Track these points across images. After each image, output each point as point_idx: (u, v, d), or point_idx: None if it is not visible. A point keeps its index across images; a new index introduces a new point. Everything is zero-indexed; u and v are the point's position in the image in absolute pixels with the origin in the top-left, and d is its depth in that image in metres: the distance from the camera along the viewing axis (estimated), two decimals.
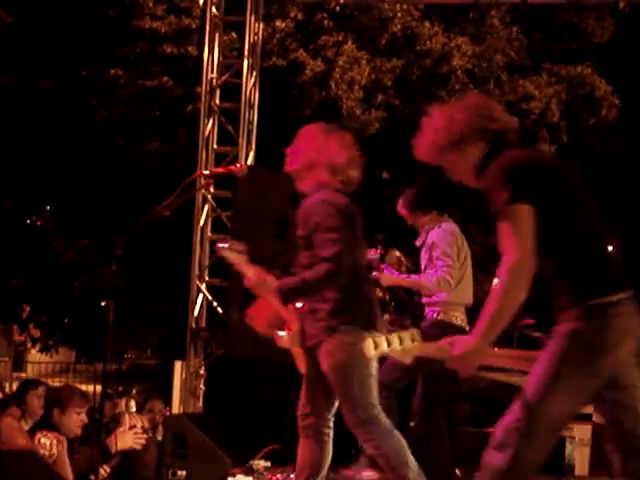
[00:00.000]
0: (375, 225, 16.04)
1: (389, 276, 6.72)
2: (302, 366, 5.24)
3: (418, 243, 6.84)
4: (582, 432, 10.66)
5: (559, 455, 9.39)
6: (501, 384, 13.03)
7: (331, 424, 5.21)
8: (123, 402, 9.22)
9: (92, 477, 5.55)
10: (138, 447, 6.77)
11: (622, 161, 24.36)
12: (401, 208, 6.91)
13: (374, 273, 6.67)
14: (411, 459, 4.91)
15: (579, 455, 10.03)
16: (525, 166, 3.88)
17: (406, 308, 6.92)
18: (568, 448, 9.44)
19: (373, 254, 7.13)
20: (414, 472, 4.89)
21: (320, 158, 5.11)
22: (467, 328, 6.71)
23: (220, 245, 5.19)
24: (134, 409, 9.27)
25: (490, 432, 9.69)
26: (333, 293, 4.95)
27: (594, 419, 11.39)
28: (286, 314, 5.24)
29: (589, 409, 11.49)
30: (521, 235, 3.71)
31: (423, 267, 6.73)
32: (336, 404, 5.18)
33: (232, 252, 5.11)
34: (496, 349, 4.24)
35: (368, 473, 6.67)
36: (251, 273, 5.03)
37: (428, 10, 16.74)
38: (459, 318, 6.71)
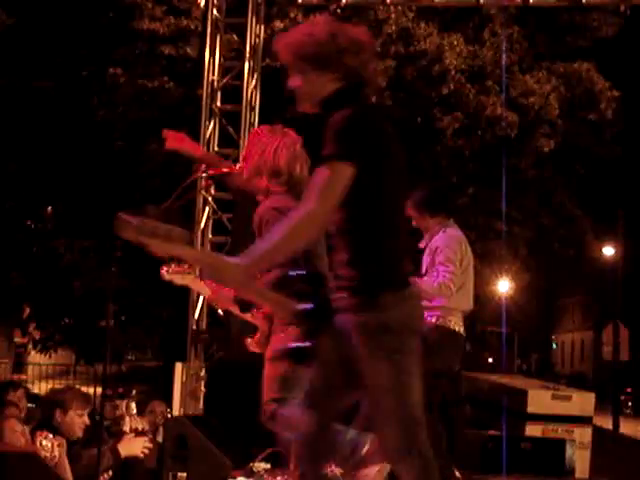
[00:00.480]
0: None
1: None
2: None
3: (422, 245, 6.85)
4: (582, 435, 10.68)
5: (560, 458, 9.40)
6: (500, 386, 13.07)
7: None
8: (124, 404, 9.23)
9: None
10: (142, 455, 6.79)
11: (624, 164, 24.41)
12: (409, 208, 6.89)
13: None
14: None
15: (579, 458, 10.04)
16: (364, 132, 3.82)
17: None
18: (568, 451, 9.46)
19: None
20: None
21: (261, 163, 5.10)
22: (464, 333, 6.74)
23: (162, 272, 5.09)
24: (134, 411, 9.28)
25: (490, 434, 9.74)
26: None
27: (594, 422, 11.40)
28: (253, 320, 5.30)
29: (590, 412, 11.52)
30: (331, 192, 3.69)
31: (425, 270, 6.74)
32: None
33: (176, 275, 5.08)
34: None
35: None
36: (205, 291, 5.03)
37: (423, 11, 16.78)
38: (457, 323, 6.73)
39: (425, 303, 6.67)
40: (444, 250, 6.62)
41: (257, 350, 5.28)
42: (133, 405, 9.14)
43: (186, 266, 5.16)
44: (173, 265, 5.07)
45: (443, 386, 6.80)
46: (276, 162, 5.08)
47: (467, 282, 6.75)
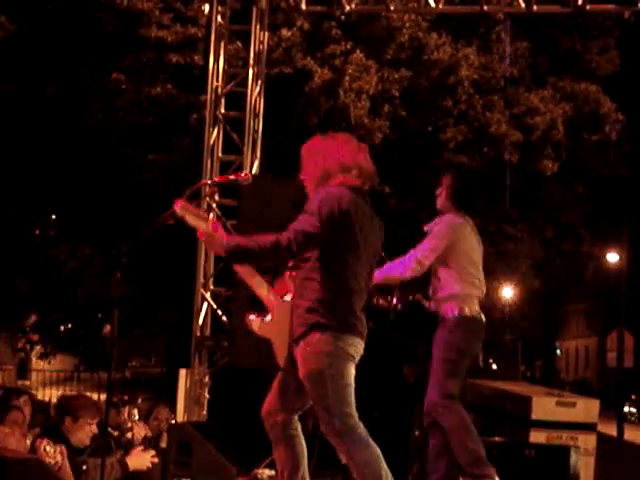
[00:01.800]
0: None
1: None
2: (280, 358, 5.20)
3: (426, 229, 6.78)
4: (587, 442, 10.67)
5: (564, 465, 9.38)
6: (504, 393, 13.05)
7: (297, 424, 5.13)
8: (126, 411, 9.24)
9: None
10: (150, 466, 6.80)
11: (629, 184, 24.42)
12: (442, 194, 6.80)
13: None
14: (385, 470, 4.84)
15: (584, 465, 10.03)
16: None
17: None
18: (573, 458, 9.43)
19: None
20: None
21: (329, 164, 5.10)
22: (483, 319, 6.66)
23: (176, 207, 5.04)
24: (137, 417, 9.29)
25: (494, 441, 9.71)
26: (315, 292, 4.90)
27: (599, 429, 11.39)
28: (267, 302, 5.28)
29: (594, 419, 11.51)
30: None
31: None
32: (305, 408, 5.13)
33: (189, 213, 5.04)
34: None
35: None
36: (204, 226, 4.99)
37: (436, 21, 16.80)
38: (475, 310, 6.61)
39: (439, 294, 6.61)
40: (434, 230, 6.60)
41: (259, 331, 5.25)
42: (135, 411, 9.16)
43: (201, 212, 5.18)
44: (192, 205, 5.07)
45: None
46: (342, 159, 5.07)
47: (468, 266, 6.64)
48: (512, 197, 19.09)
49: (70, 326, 21.44)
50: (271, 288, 5.31)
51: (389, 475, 4.87)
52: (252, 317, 5.33)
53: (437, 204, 6.83)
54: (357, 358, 4.99)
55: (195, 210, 5.06)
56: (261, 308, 5.38)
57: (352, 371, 4.93)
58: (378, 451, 4.87)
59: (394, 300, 6.91)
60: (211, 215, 4.99)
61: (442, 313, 6.55)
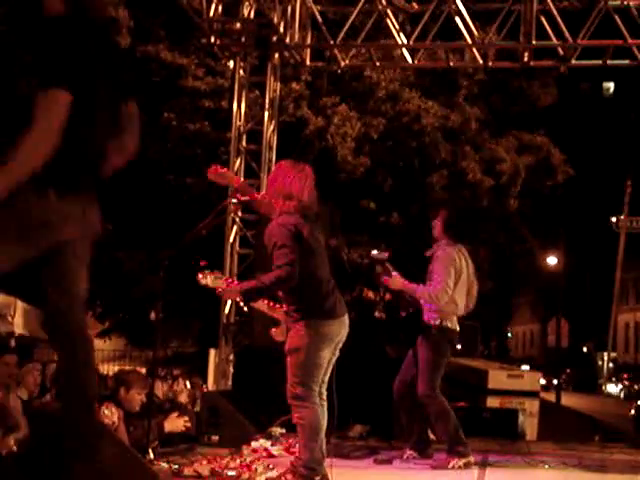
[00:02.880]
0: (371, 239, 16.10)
1: (398, 280, 6.59)
2: None
3: (428, 254, 6.74)
4: (531, 406, 10.65)
5: (513, 424, 9.36)
6: (465, 368, 13.00)
7: (325, 397, 5.12)
8: (181, 382, 9.18)
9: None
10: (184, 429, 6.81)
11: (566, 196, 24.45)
12: (438, 225, 6.73)
13: (384, 277, 6.61)
14: (322, 439, 4.94)
15: (529, 424, 10.00)
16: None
17: (399, 303, 6.83)
18: (520, 418, 9.41)
19: (381, 255, 7.07)
20: (319, 450, 4.92)
21: (279, 188, 5.10)
22: (458, 330, 6.67)
23: (199, 277, 5.22)
24: (188, 385, 9.27)
25: (459, 405, 9.67)
26: (294, 295, 5.00)
27: (541, 396, 11.33)
28: (276, 316, 5.40)
29: (537, 388, 11.46)
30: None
31: (428, 274, 6.64)
32: (326, 380, 5.13)
33: (209, 279, 5.21)
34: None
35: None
36: (221, 285, 5.14)
37: (408, 80, 16.88)
38: (454, 323, 6.63)
39: (427, 306, 6.58)
40: (440, 266, 6.52)
41: (280, 339, 5.30)
42: (187, 382, 9.14)
43: (217, 272, 5.23)
44: (207, 273, 5.15)
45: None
46: (289, 188, 5.05)
47: (461, 294, 6.62)
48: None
49: (125, 314, 21.40)
50: (276, 307, 5.45)
51: (323, 445, 4.96)
52: (274, 330, 5.45)
53: (434, 233, 6.77)
54: (338, 337, 5.05)
55: (213, 275, 5.19)
56: (275, 322, 5.50)
57: (324, 354, 4.98)
58: (324, 421, 4.97)
59: (386, 295, 6.87)
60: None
61: (427, 320, 6.55)
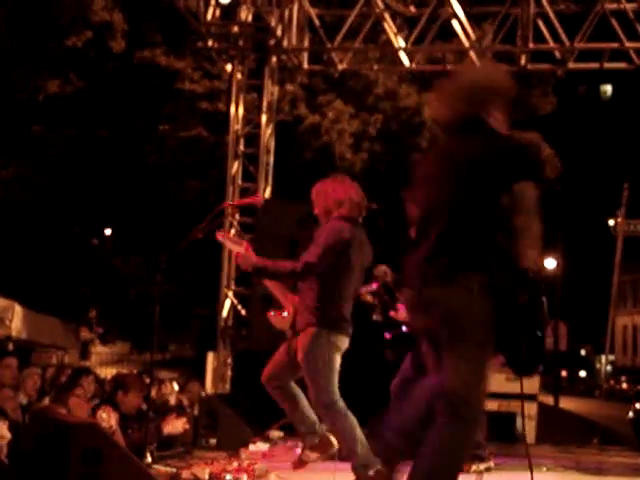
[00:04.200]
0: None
1: (402, 314, 6.60)
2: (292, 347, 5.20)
3: None
4: (529, 409, 10.63)
5: (511, 427, 9.36)
6: None
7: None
8: (169, 385, 9.18)
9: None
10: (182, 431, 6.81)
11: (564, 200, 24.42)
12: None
13: (391, 312, 6.63)
14: (360, 436, 4.90)
15: (527, 427, 9.99)
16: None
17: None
18: (518, 422, 9.40)
19: (370, 289, 7.10)
20: (362, 446, 4.87)
21: (328, 202, 5.12)
22: None
23: (218, 235, 5.16)
24: (177, 388, 9.24)
25: None
26: (318, 301, 4.97)
27: (539, 399, 11.33)
28: (283, 300, 5.29)
29: (536, 391, 11.46)
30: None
31: None
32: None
33: (227, 240, 5.25)
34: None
35: None
36: (239, 249, 5.03)
37: (407, 77, 16.86)
38: None
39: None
40: None
41: (279, 326, 5.28)
42: (175, 384, 9.12)
43: (241, 241, 5.22)
44: (232, 235, 5.13)
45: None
46: (336, 196, 5.11)
47: None
48: None
49: (124, 318, 21.43)
50: (289, 293, 5.31)
51: (364, 440, 4.90)
52: (272, 313, 5.35)
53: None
54: (342, 350, 5.04)
55: (233, 238, 5.26)
56: (276, 306, 5.39)
57: (337, 359, 4.98)
58: (355, 421, 4.92)
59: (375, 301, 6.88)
60: (232, 232, 5.02)
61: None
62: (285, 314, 5.27)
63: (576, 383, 44.29)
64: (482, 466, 6.26)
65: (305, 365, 4.94)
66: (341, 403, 4.94)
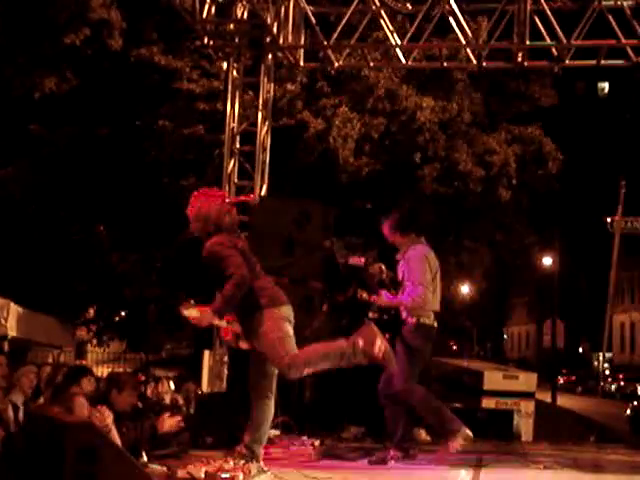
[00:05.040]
0: (366, 241, 16.12)
1: (384, 299, 6.59)
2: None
3: (398, 258, 6.75)
4: (527, 407, 10.65)
5: (509, 425, 9.36)
6: (462, 369, 12.98)
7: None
8: (165, 383, 9.18)
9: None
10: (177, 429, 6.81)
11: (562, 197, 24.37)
12: (385, 229, 6.78)
13: (372, 297, 6.63)
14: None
15: (525, 425, 10.01)
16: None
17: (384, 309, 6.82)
18: (516, 419, 9.42)
19: (357, 261, 7.12)
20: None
21: (201, 216, 5.55)
22: (435, 326, 6.67)
23: (181, 309, 5.45)
24: (173, 387, 9.24)
25: (454, 406, 9.64)
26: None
27: (537, 397, 11.33)
28: (234, 327, 5.77)
29: (533, 388, 11.47)
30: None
31: (401, 277, 6.64)
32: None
33: (189, 310, 5.44)
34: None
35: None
36: (195, 314, 5.38)
37: (406, 77, 16.86)
38: (431, 319, 6.64)
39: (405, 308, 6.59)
40: (414, 271, 6.51)
41: (245, 347, 5.61)
42: (171, 383, 9.12)
43: (191, 305, 5.52)
44: (186, 304, 5.42)
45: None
46: (208, 214, 5.51)
47: (436, 288, 6.65)
48: (472, 214, 19.21)
49: (120, 317, 21.39)
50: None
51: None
52: (241, 342, 5.83)
53: (389, 239, 6.78)
54: (290, 316, 5.42)
55: (187, 305, 5.48)
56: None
57: (288, 327, 5.33)
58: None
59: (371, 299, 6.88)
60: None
61: (405, 318, 6.57)
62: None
63: (573, 381, 44.29)
64: (460, 440, 6.29)
65: (264, 338, 5.31)
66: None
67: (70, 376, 7.23)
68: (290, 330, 5.34)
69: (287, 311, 5.41)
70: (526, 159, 18.84)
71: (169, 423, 6.66)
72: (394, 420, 6.65)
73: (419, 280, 6.47)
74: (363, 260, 7.04)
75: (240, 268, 5.20)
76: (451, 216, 18.77)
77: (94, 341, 22.29)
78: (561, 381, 40.74)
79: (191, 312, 5.38)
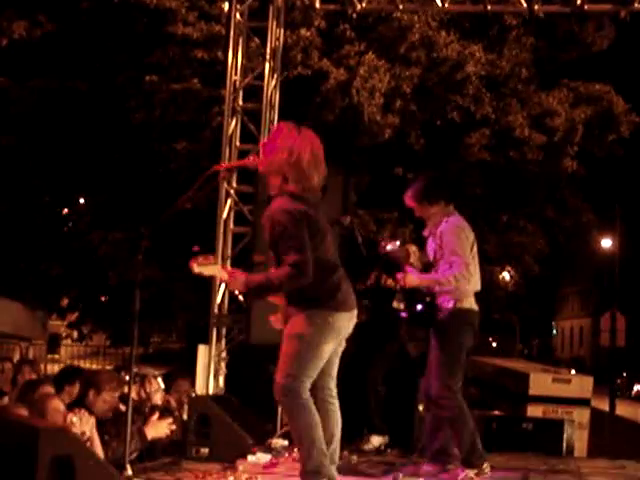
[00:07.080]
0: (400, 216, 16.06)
1: (412, 277, 6.54)
2: None
3: (426, 233, 6.71)
4: (581, 416, 10.62)
5: (559, 437, 9.33)
6: (504, 370, 12.96)
7: (334, 394, 5.18)
8: (154, 382, 9.18)
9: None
10: (168, 433, 6.79)
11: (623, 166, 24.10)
12: (409, 199, 6.72)
13: (398, 275, 6.57)
14: (320, 438, 4.94)
15: (578, 438, 9.97)
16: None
17: (415, 294, 6.77)
18: (568, 431, 9.36)
19: (392, 245, 7.10)
20: (320, 445, 4.92)
21: (285, 165, 5.07)
22: (477, 310, 6.62)
23: (192, 265, 5.17)
24: (163, 386, 9.25)
25: (494, 414, 9.62)
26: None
27: (592, 404, 11.30)
28: (276, 300, 5.34)
29: (588, 394, 11.43)
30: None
31: (432, 256, 6.61)
32: (334, 375, 5.20)
33: (204, 267, 5.20)
34: None
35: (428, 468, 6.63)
36: (224, 275, 5.23)
37: (445, 21, 16.74)
38: (472, 303, 6.59)
39: (438, 287, 6.55)
40: (450, 243, 6.45)
41: (279, 326, 5.30)
42: (160, 380, 9.13)
43: (211, 258, 5.22)
44: (200, 258, 5.14)
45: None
46: (301, 169, 5.04)
47: (474, 265, 6.59)
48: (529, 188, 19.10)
49: (100, 305, 21.47)
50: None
51: (323, 444, 4.95)
52: (273, 317, 5.41)
53: (423, 216, 6.75)
54: (344, 329, 5.11)
55: (206, 261, 5.19)
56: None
57: (329, 347, 5.04)
58: (318, 419, 4.95)
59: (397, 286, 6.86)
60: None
61: (439, 304, 6.51)
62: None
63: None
64: (472, 472, 6.32)
65: (286, 340, 5.08)
66: (307, 396, 4.99)
67: (64, 378, 7.21)
68: (329, 350, 5.08)
69: (343, 321, 5.11)
70: (595, 122, 18.63)
71: (158, 427, 6.65)
72: (434, 427, 6.63)
73: (457, 253, 6.41)
74: (398, 244, 7.02)
75: (304, 255, 4.91)
76: (504, 190, 18.63)
77: (74, 334, 22.40)
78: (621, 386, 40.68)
79: (214, 269, 5.24)
